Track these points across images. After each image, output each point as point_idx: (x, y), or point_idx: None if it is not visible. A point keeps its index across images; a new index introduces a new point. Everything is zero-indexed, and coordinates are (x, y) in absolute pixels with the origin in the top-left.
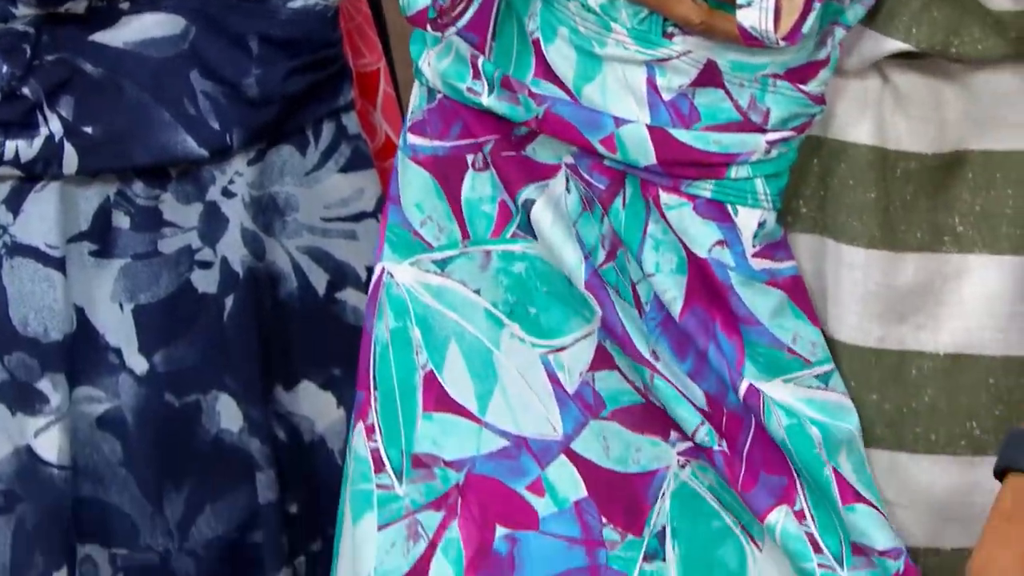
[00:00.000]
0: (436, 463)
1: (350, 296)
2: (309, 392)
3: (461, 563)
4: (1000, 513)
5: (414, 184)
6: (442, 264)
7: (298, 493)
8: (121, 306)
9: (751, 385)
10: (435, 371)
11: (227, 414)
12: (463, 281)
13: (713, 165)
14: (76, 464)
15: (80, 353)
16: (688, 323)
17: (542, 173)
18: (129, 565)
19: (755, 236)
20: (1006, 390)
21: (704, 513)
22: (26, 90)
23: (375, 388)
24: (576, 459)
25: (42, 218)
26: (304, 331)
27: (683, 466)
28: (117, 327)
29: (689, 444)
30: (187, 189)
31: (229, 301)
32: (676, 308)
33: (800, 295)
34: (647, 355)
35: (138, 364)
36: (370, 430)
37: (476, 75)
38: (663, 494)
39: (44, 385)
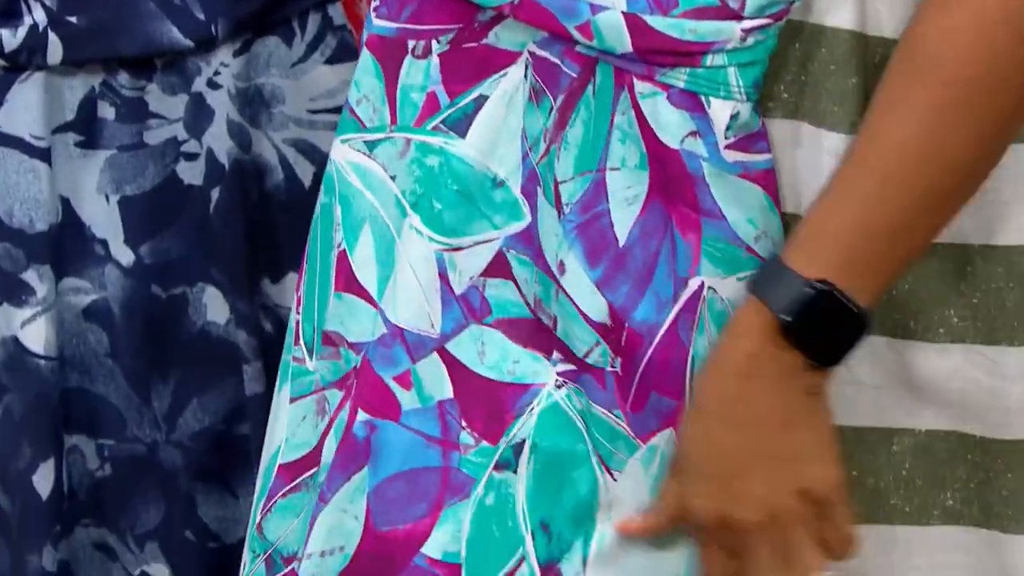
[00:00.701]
0: (342, 343)
1: None
2: (295, 284)
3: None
4: (728, 328)
5: (360, 63)
6: (371, 145)
7: None
8: (107, 197)
9: (703, 284)
10: (347, 251)
11: (213, 306)
12: (384, 165)
13: (689, 54)
14: (63, 355)
15: (66, 244)
16: (646, 222)
17: (501, 61)
18: (116, 455)
19: (728, 128)
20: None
21: (568, 435)
22: None
23: (306, 262)
24: (448, 359)
25: (26, 108)
26: (290, 223)
27: (559, 386)
28: (103, 218)
29: (570, 367)
30: (172, 80)
31: (215, 193)
32: (637, 206)
33: (772, 190)
34: (554, 266)
35: (124, 255)
36: (298, 302)
37: None
38: (531, 410)
39: (30, 276)
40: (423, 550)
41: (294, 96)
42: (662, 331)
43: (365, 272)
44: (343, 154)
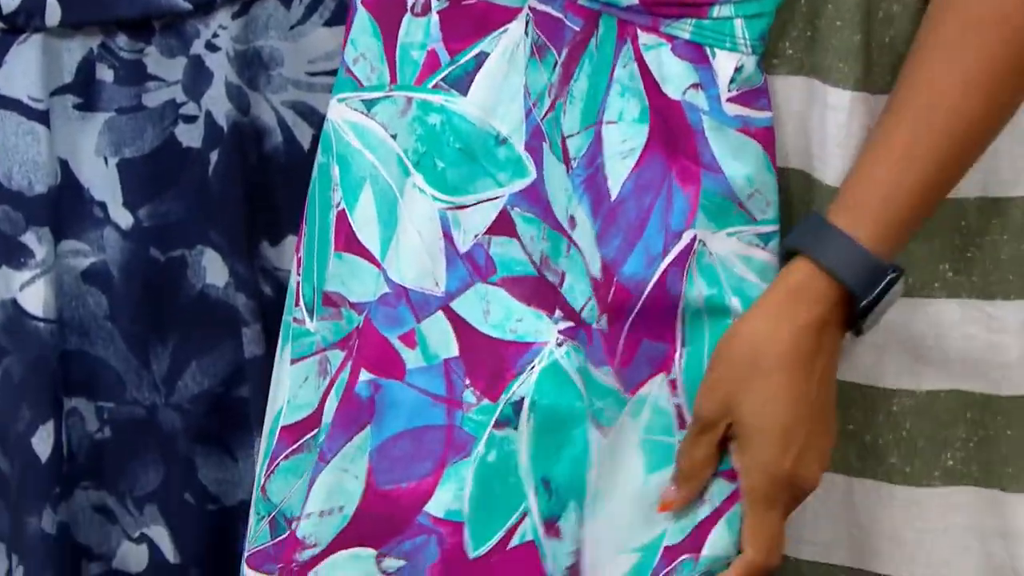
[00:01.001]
0: (343, 303)
1: None
2: (295, 247)
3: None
4: (784, 288)
5: (356, 21)
6: (369, 104)
7: None
8: (106, 160)
9: (695, 237)
10: (347, 211)
11: (212, 269)
12: (384, 124)
13: (695, 4)
14: (62, 317)
15: (65, 207)
16: (641, 175)
17: (500, 17)
18: (115, 418)
19: (732, 81)
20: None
21: (567, 393)
22: None
23: (304, 222)
24: (454, 318)
25: (25, 71)
26: (289, 186)
27: (560, 344)
28: (102, 181)
29: (570, 324)
30: (171, 43)
31: (214, 156)
32: (632, 160)
33: (771, 148)
34: (565, 222)
35: (123, 218)
36: (299, 263)
37: None
38: (532, 368)
39: (29, 238)
40: (426, 508)
41: (293, 58)
42: (650, 285)
43: (366, 231)
44: (340, 113)
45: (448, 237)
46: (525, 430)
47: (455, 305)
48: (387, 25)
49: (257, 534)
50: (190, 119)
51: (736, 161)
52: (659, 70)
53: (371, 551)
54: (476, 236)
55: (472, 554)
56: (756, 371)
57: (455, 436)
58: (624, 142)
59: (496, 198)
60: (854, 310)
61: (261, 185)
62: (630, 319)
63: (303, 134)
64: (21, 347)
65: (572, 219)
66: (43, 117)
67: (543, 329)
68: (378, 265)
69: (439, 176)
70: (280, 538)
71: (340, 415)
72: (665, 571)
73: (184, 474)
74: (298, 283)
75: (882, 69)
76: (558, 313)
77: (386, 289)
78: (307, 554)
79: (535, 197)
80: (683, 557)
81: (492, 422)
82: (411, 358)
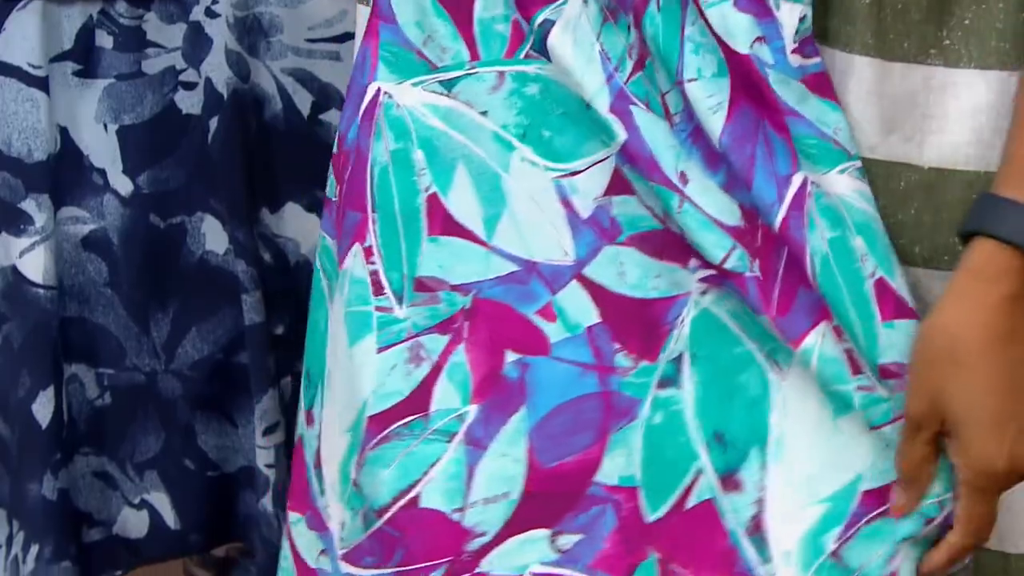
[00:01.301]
0: (442, 287)
1: (334, 118)
2: (294, 214)
3: (468, 387)
4: (968, 271)
5: (410, 3)
6: (449, 85)
7: (284, 314)
8: (105, 127)
9: (806, 179)
10: (439, 194)
11: (212, 236)
12: (469, 102)
13: None
14: (62, 284)
15: (64, 174)
16: (735, 128)
17: None
18: (115, 384)
19: (796, 31)
20: None
21: (726, 340)
22: None
23: (374, 210)
24: (589, 284)
25: (24, 37)
26: (289, 153)
27: (704, 293)
28: (101, 148)
29: (710, 272)
30: (170, 9)
31: (214, 123)
32: (722, 114)
33: (829, 91)
34: (675, 178)
35: (123, 185)
36: (368, 252)
37: None
38: (682, 320)
39: (28, 205)
40: (596, 478)
41: (292, 25)
42: (781, 233)
43: (465, 212)
44: (417, 97)
45: (568, 205)
46: (689, 386)
47: (588, 272)
48: (454, 3)
49: (352, 529)
50: (190, 86)
51: (807, 107)
52: (723, 25)
53: (545, 531)
54: (595, 199)
55: (649, 518)
56: (957, 365)
57: (613, 402)
58: (710, 97)
59: (607, 158)
60: None
61: (261, 152)
62: (783, 262)
63: (303, 101)
64: (21, 314)
65: (683, 175)
66: (42, 84)
67: (682, 280)
68: (484, 244)
69: (547, 145)
70: (372, 531)
71: (490, 400)
72: (868, 518)
73: (184, 440)
74: (373, 272)
75: (896, 35)
76: (693, 262)
77: (511, 267)
78: (477, 543)
79: (635, 157)
80: (886, 508)
81: (655, 383)
82: (553, 332)
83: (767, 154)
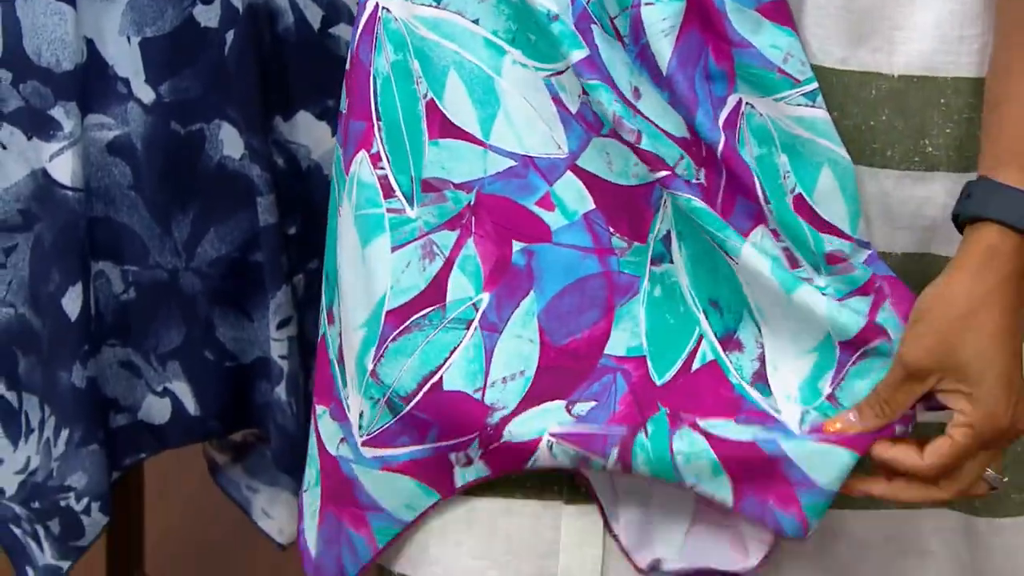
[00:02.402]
0: (446, 186)
1: (343, 31)
2: (306, 121)
3: (479, 276)
4: (980, 250)
5: None
6: None
7: (296, 216)
8: (128, 39)
9: (740, 100)
10: (435, 100)
11: (229, 142)
12: (460, 12)
13: None
14: (88, 186)
15: (90, 83)
16: (681, 51)
17: None
18: (139, 280)
19: None
20: (956, 110)
21: (694, 224)
22: None
23: (378, 119)
24: (582, 174)
25: None
26: (300, 64)
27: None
28: (125, 59)
29: (667, 173)
30: None
31: (230, 36)
32: (672, 36)
33: (785, 17)
34: (629, 93)
35: (145, 94)
36: (376, 158)
37: None
38: (664, 202)
39: (57, 112)
40: (606, 351)
41: None
42: (719, 151)
43: (461, 115)
44: (408, 11)
45: (558, 101)
46: (680, 260)
47: (580, 162)
48: None
49: (377, 417)
50: (207, 0)
51: (760, 36)
52: None
53: (560, 402)
54: (579, 95)
55: (658, 383)
56: (971, 317)
57: (615, 280)
58: (664, 19)
59: (570, 65)
60: None
61: (274, 63)
62: (724, 176)
63: (313, 15)
64: (51, 214)
65: (636, 90)
66: None
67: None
68: (482, 144)
69: (534, 48)
70: (401, 415)
71: (501, 287)
72: (852, 360)
73: (204, 333)
74: (382, 176)
75: None
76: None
77: (509, 163)
78: (497, 416)
79: (594, 68)
80: (877, 342)
81: (648, 260)
82: (553, 220)
83: (705, 76)
